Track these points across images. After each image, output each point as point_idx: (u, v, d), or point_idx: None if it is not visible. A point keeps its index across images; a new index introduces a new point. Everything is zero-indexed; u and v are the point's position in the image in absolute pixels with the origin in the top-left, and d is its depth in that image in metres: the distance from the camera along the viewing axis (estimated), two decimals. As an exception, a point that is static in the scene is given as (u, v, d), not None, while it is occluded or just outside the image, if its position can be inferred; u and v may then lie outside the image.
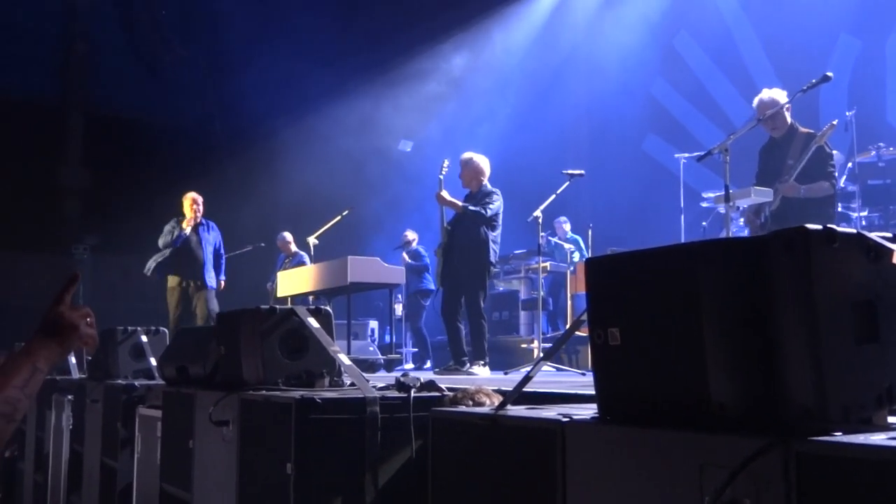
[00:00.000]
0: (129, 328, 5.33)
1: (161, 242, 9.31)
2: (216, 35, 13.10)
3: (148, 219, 11.99)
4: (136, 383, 4.79)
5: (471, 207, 6.78)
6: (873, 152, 8.40)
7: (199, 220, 9.28)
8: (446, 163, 7.14)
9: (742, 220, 5.67)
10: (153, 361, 5.01)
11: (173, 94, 13.27)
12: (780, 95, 5.60)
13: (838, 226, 1.34)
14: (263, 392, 3.02)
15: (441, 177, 6.99)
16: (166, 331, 5.37)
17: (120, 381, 4.99)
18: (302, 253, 10.80)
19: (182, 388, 3.84)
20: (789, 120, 5.56)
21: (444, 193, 6.89)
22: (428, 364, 10.52)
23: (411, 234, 11.67)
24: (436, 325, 9.85)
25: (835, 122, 5.39)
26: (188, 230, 9.19)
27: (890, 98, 10.19)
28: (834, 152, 7.66)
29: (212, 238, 9.33)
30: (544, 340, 8.06)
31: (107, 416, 5.04)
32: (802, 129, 5.49)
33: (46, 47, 13.28)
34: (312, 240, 10.01)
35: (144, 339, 5.25)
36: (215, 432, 3.25)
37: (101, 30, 13.14)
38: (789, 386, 1.29)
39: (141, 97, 13.33)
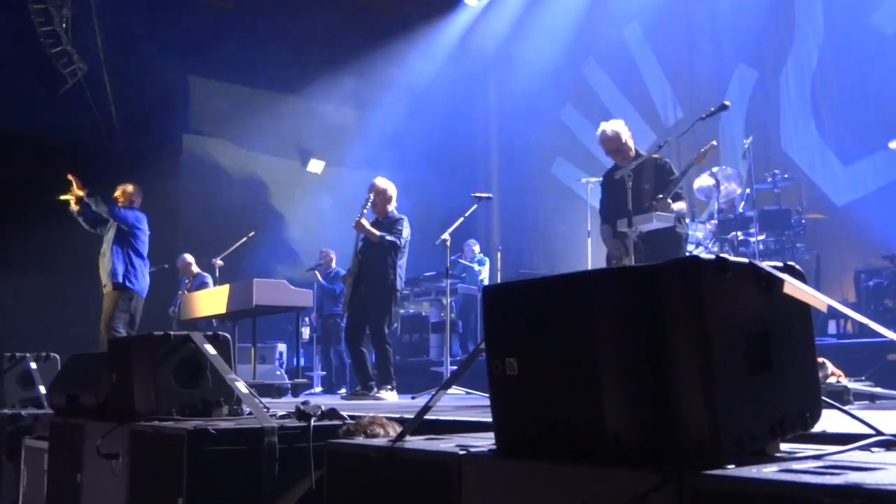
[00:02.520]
0: (18, 354, 5.06)
1: None
2: (121, 50, 12.74)
3: (44, 237, 11.52)
4: (23, 412, 4.55)
5: (388, 237, 6.78)
6: (769, 179, 8.69)
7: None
8: (370, 199, 7.08)
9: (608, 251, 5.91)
10: (42, 389, 4.76)
11: (72, 109, 12.81)
12: (619, 126, 5.87)
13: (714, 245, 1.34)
14: (155, 423, 2.89)
15: (364, 210, 6.94)
16: (58, 357, 5.11)
17: (6, 411, 4.72)
18: (205, 274, 10.52)
19: (70, 419, 3.65)
20: (633, 148, 5.82)
21: (364, 221, 6.86)
22: (343, 389, 10.38)
23: (330, 253, 11.49)
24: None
25: (714, 143, 5.59)
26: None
27: (783, 127, 10.60)
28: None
29: (113, 227, 7.95)
30: (454, 363, 8.03)
31: (-10, 448, 4.76)
32: (647, 155, 5.72)
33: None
34: (218, 261, 9.77)
35: (34, 365, 4.99)
36: (104, 466, 3.09)
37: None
38: (683, 418, 1.28)
39: (36, 110, 12.81)
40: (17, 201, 12.58)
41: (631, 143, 5.85)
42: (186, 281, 10.77)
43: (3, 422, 4.56)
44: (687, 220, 8.20)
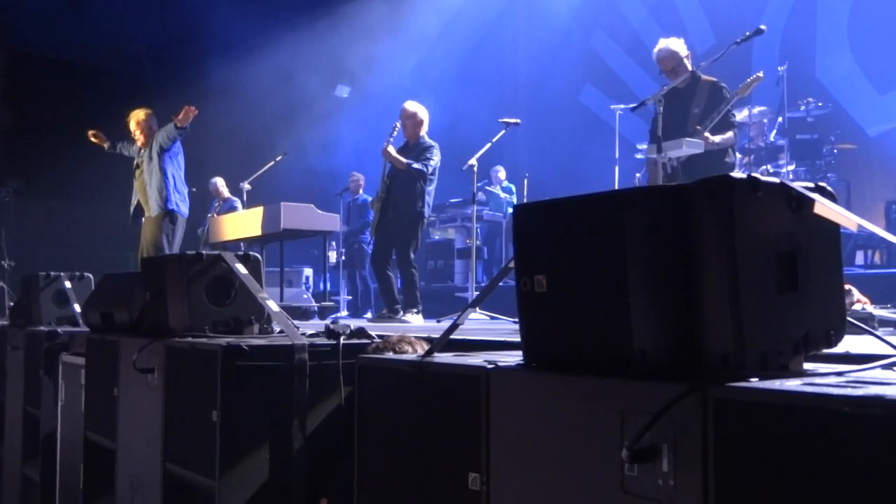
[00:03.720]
0: (52, 273, 5.18)
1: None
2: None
3: (73, 161, 11.63)
4: (60, 330, 4.67)
5: (414, 165, 6.76)
6: (803, 108, 8.56)
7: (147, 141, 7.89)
8: (398, 126, 7.04)
9: (644, 172, 5.77)
10: (77, 308, 4.88)
11: (101, 34, 12.77)
12: (677, 45, 5.67)
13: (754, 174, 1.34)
14: (189, 339, 2.96)
15: (391, 137, 6.91)
16: (91, 277, 5.22)
17: (43, 328, 4.86)
18: (234, 198, 10.60)
19: (106, 335, 3.75)
20: (690, 68, 5.63)
21: (391, 149, 6.84)
22: (369, 314, 10.52)
23: (359, 179, 11.51)
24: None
25: (760, 74, 5.44)
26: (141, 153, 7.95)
27: (819, 55, 10.37)
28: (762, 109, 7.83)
29: (156, 153, 7.83)
30: (479, 289, 8.10)
31: (29, 364, 4.91)
32: (705, 77, 5.56)
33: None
34: (245, 185, 9.83)
35: (68, 284, 5.10)
36: (140, 380, 3.19)
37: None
38: (709, 333, 1.30)
39: (66, 36, 12.81)
40: (46, 127, 12.68)
41: (688, 63, 5.66)
42: (217, 204, 10.88)
43: (40, 338, 4.69)
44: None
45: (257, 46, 13.08)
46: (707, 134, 5.24)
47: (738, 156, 8.12)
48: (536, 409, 1.52)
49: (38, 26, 12.31)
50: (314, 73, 13.58)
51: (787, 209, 1.35)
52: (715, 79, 5.53)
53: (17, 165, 12.88)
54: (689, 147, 5.19)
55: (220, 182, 11.03)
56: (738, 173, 1.30)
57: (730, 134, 5.44)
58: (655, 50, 5.74)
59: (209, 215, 10.61)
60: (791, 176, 8.20)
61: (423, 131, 7.06)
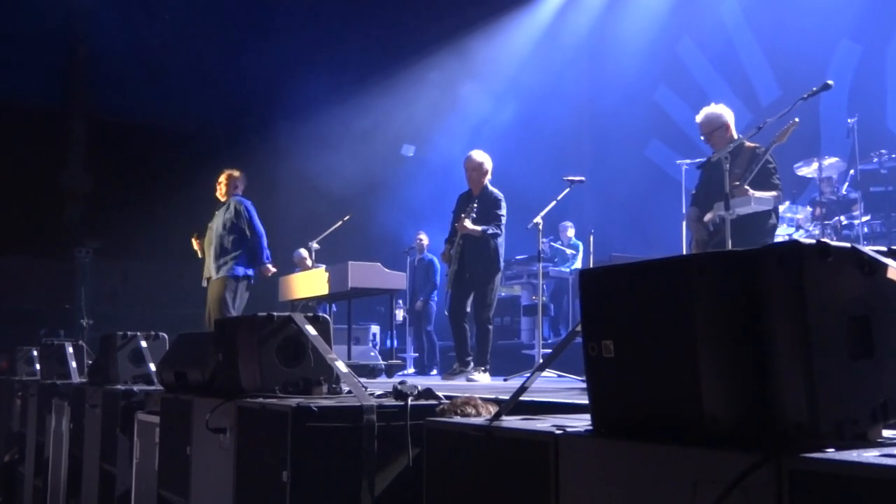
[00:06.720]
0: (129, 333, 5.32)
1: None
2: (217, 39, 13.14)
3: (149, 223, 12.02)
4: (135, 389, 4.78)
5: (489, 231, 6.83)
6: (875, 159, 8.39)
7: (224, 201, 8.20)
8: (474, 206, 7.11)
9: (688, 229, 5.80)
10: (152, 367, 5.00)
11: (174, 98, 13.29)
12: (723, 110, 5.74)
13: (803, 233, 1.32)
14: (260, 400, 3.01)
15: (473, 215, 6.92)
16: (166, 336, 5.36)
17: (119, 387, 4.98)
18: (318, 265, 10.78)
19: (180, 395, 3.83)
20: (735, 135, 5.71)
21: (468, 222, 6.87)
22: (434, 371, 10.54)
23: (423, 239, 11.59)
24: (444, 330, 9.84)
25: (796, 120, 5.38)
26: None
27: (890, 104, 10.16)
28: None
29: (222, 218, 8.16)
30: (546, 346, 8.05)
31: (106, 422, 5.03)
32: (748, 144, 5.58)
33: (48, 52, 13.31)
34: (314, 244, 10.01)
35: (144, 344, 5.24)
36: (213, 439, 3.24)
37: (102, 34, 13.16)
38: (782, 401, 1.29)
39: (142, 101, 13.36)
40: (123, 189, 13.15)
41: (728, 130, 5.72)
42: None
43: (116, 397, 4.80)
44: (786, 204, 7.98)
45: (323, 109, 13.42)
46: (746, 187, 5.23)
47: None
48: (606, 476, 1.51)
49: (116, 94, 12.86)
50: (380, 134, 13.84)
51: (859, 274, 1.33)
52: (755, 145, 5.54)
53: (96, 227, 13.35)
54: (757, 204, 5.14)
55: (304, 253, 11.24)
56: (806, 239, 1.29)
57: (772, 193, 5.38)
58: (701, 114, 5.83)
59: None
60: (866, 229, 8.01)
61: (487, 180, 7.12)
